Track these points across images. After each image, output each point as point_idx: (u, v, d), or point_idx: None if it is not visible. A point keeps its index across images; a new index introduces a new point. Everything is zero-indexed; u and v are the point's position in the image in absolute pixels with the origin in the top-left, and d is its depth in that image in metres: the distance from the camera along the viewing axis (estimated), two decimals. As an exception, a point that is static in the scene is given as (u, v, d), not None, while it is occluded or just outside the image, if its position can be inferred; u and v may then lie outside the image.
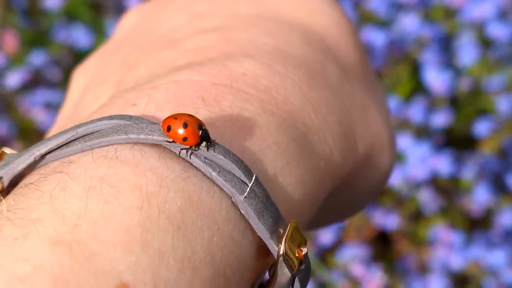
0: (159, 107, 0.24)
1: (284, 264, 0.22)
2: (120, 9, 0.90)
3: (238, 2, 0.30)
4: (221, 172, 0.22)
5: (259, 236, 0.22)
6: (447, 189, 0.81)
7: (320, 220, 0.31)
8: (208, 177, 0.22)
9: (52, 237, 0.19)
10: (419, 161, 0.78)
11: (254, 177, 0.22)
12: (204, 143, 0.22)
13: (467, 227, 0.80)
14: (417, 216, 0.81)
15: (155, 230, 0.20)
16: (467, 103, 0.84)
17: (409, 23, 0.84)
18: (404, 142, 0.79)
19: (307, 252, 0.23)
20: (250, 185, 0.22)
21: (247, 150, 0.24)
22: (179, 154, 0.22)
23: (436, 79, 0.80)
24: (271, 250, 0.23)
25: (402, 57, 0.84)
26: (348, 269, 0.78)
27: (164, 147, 0.22)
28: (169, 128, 0.22)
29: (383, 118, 0.30)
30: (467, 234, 0.79)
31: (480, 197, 0.78)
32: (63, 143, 0.23)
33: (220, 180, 0.22)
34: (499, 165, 0.81)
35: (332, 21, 0.30)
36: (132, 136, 0.22)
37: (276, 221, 0.23)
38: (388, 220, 0.80)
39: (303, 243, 0.23)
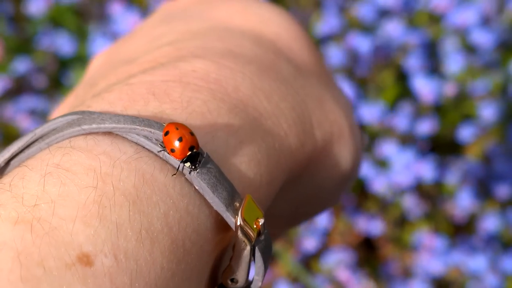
0: (112, 104, 0.25)
1: (243, 235, 0.24)
2: (104, 16, 0.90)
3: (192, 20, 0.33)
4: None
5: (216, 211, 0.24)
6: (431, 194, 0.82)
7: (290, 216, 0.33)
8: (160, 157, 0.24)
9: (13, 217, 0.21)
10: (403, 168, 0.79)
11: (205, 155, 0.24)
12: (188, 164, 0.24)
13: (451, 232, 0.82)
14: (401, 222, 0.82)
15: (111, 205, 0.22)
16: (452, 108, 0.85)
17: (394, 29, 0.85)
18: (389, 149, 0.80)
19: (264, 223, 0.25)
20: (202, 160, 0.24)
21: (198, 131, 0.25)
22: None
23: (424, 87, 0.81)
24: (229, 223, 0.24)
25: (387, 63, 0.85)
26: (333, 274, 0.79)
27: (117, 134, 0.24)
28: (166, 133, 0.24)
29: (341, 109, 0.32)
30: (451, 239, 0.80)
31: (463, 202, 0.80)
32: (24, 146, 0.25)
33: (172, 159, 0.24)
34: (483, 171, 0.82)
35: (282, 28, 0.32)
36: (85, 126, 0.24)
37: (231, 195, 0.24)
38: (372, 225, 0.81)
39: (260, 215, 0.25)
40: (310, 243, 0.80)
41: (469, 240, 0.80)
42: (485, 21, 0.85)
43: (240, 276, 0.25)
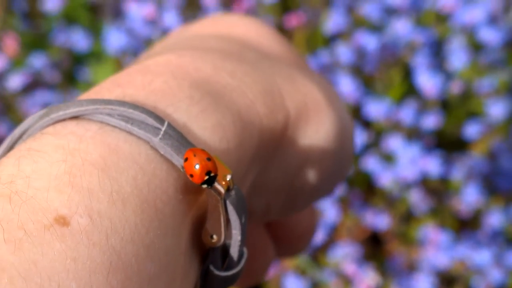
0: (80, 99, 0.28)
1: (212, 191, 0.27)
2: (118, 13, 0.95)
3: (168, 40, 0.36)
4: (134, 123, 0.26)
5: (184, 173, 0.26)
6: (437, 190, 0.85)
7: (289, 191, 0.34)
8: (124, 130, 0.26)
9: None
10: (409, 162, 0.83)
11: (166, 122, 0.26)
12: (205, 185, 0.26)
13: (456, 227, 0.85)
14: (407, 217, 0.85)
15: (81, 174, 0.24)
16: (458, 106, 0.88)
17: (401, 28, 0.88)
18: (395, 143, 0.84)
19: (232, 178, 0.27)
20: (163, 128, 0.26)
21: (159, 104, 0.28)
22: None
23: (427, 82, 0.85)
24: None
25: (394, 61, 0.89)
26: (340, 268, 0.82)
27: (82, 117, 0.26)
28: (185, 159, 0.26)
29: (314, 84, 0.33)
30: (456, 234, 0.83)
31: (469, 198, 0.83)
32: (6, 150, 0.28)
33: (134, 130, 0.26)
34: (488, 167, 0.85)
35: (250, 28, 0.35)
36: (53, 115, 0.26)
37: None
38: (379, 220, 0.84)
39: (227, 172, 0.27)
40: (317, 236, 0.84)
41: (474, 235, 0.84)
42: (492, 20, 0.89)
43: (217, 230, 0.27)
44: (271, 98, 0.31)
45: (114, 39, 0.86)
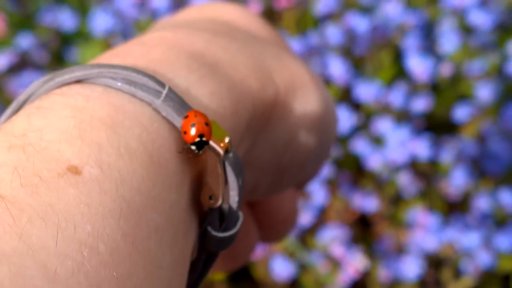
0: (85, 66, 0.30)
1: (212, 152, 0.28)
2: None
3: (156, 24, 0.39)
4: (137, 86, 0.28)
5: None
6: (426, 173, 0.86)
7: (276, 169, 0.36)
8: (127, 93, 0.28)
9: (6, 146, 0.25)
10: (398, 145, 0.83)
11: (167, 86, 0.28)
12: (194, 147, 0.28)
13: (445, 210, 0.86)
14: (396, 199, 0.86)
15: (90, 129, 0.26)
16: (448, 88, 0.89)
17: (392, 10, 0.89)
18: (384, 126, 0.84)
19: (230, 141, 0.29)
20: (165, 92, 0.28)
21: (159, 71, 0.29)
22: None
23: (418, 65, 0.86)
24: None
25: (385, 43, 0.89)
26: (328, 250, 0.83)
27: (87, 81, 0.28)
28: (186, 117, 0.28)
29: (300, 64, 0.36)
30: (445, 217, 0.84)
31: (458, 181, 0.84)
32: (13, 113, 0.29)
33: (138, 92, 0.28)
34: (478, 150, 0.86)
35: (236, 13, 0.38)
36: (58, 79, 0.28)
37: None
38: (368, 203, 0.85)
39: (226, 135, 0.28)
40: (305, 218, 0.85)
41: (463, 218, 0.84)
42: (483, 2, 0.89)
43: (215, 191, 0.29)
44: (261, 74, 0.33)
45: (101, 21, 0.86)
